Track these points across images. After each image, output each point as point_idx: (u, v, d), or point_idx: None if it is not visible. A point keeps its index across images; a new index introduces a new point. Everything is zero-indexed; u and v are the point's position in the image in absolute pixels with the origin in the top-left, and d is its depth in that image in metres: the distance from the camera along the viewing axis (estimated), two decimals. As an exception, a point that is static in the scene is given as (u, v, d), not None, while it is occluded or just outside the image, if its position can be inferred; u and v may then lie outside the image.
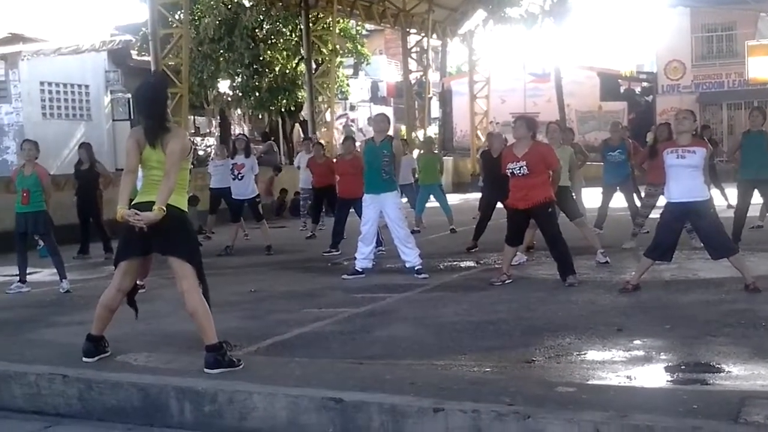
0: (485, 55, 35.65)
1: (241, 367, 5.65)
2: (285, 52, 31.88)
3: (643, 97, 40.15)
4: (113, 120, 26.09)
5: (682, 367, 5.96)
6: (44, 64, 24.15)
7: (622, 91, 40.39)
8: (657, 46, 38.51)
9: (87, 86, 25.92)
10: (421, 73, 35.19)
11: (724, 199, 16.18)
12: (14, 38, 26.28)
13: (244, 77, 31.18)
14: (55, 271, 10.78)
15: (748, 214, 11.78)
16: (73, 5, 67.76)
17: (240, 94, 32.04)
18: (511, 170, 9.59)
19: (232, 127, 35.99)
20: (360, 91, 43.43)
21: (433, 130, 39.04)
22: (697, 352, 6.32)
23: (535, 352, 6.49)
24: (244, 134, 19.58)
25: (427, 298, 9.27)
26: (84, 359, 5.98)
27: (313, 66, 29.09)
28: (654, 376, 5.79)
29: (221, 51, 30.47)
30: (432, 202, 16.68)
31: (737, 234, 11.26)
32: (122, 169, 6.53)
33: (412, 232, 12.27)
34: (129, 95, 24.50)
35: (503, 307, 8.38)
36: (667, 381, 5.72)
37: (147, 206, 5.65)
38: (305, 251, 14.44)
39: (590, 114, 38.58)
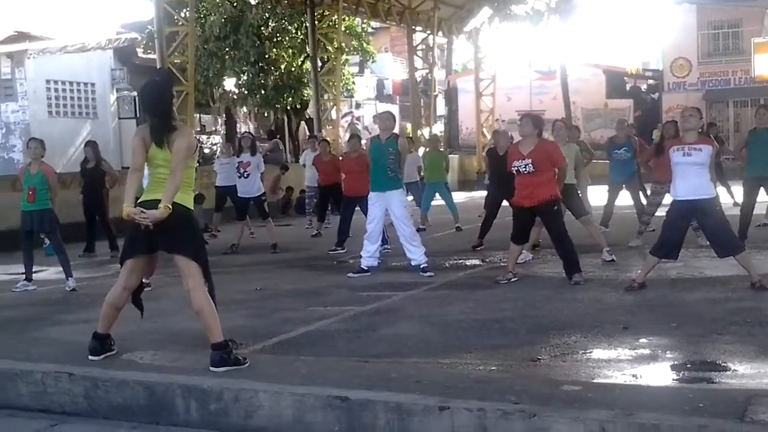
0: (491, 52, 35.62)
1: (246, 365, 5.65)
2: (290, 50, 31.86)
3: (649, 94, 40.06)
4: (119, 118, 26.09)
5: (688, 365, 5.95)
6: (50, 62, 24.17)
7: (628, 88, 40.30)
8: (663, 44, 38.44)
9: (93, 84, 25.93)
10: (427, 71, 35.13)
11: (731, 196, 16.15)
12: (20, 36, 26.35)
13: (250, 75, 31.15)
14: (61, 269, 10.80)
15: (754, 212, 11.77)
16: (79, 3, 67.91)
17: (246, 92, 32.02)
18: (516, 168, 9.58)
19: (237, 125, 35.99)
20: (365, 89, 43.38)
21: (438, 128, 39.03)
22: (703, 350, 6.31)
23: (540, 351, 6.49)
24: (249, 132, 19.64)
25: (432, 296, 9.27)
26: (90, 357, 5.99)
27: (319, 64, 29.10)
28: (660, 374, 5.79)
29: (227, 49, 30.45)
30: (437, 200, 16.67)
31: (743, 232, 11.25)
32: (128, 168, 6.53)
33: (418, 230, 12.28)
34: (135, 93, 24.49)
35: (509, 305, 8.38)
36: (673, 379, 5.71)
37: (153, 204, 5.66)
38: (311, 249, 14.45)
39: (596, 111, 38.55)
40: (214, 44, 30.23)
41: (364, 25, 36.28)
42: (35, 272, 11.04)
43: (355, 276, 10.75)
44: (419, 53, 34.74)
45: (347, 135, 26.11)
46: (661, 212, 10.49)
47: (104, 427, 5.41)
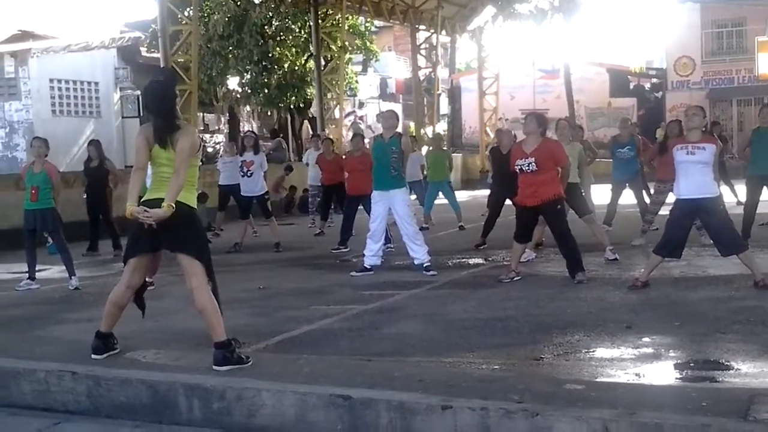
0: (494, 51, 35.60)
1: (249, 364, 5.66)
2: (294, 49, 31.85)
3: (653, 93, 40.00)
4: (122, 117, 26.11)
5: (691, 364, 5.95)
6: (54, 61, 24.20)
7: (631, 87, 40.23)
8: (666, 42, 38.38)
9: (96, 83, 25.95)
10: (430, 70, 35.13)
11: (734, 195, 16.13)
12: (24, 35, 26.39)
13: (253, 74, 31.15)
14: (64, 268, 10.81)
15: (757, 211, 11.76)
16: (82, 2, 68.02)
17: (249, 91, 32.01)
18: (519, 167, 9.58)
19: (241, 124, 36.02)
20: (369, 88, 43.37)
21: (442, 127, 38.99)
22: (706, 349, 6.31)
23: (543, 350, 6.48)
24: (253, 131, 19.63)
25: (435, 295, 9.27)
26: (93, 356, 6.00)
27: (322, 63, 29.08)
28: (663, 373, 5.78)
29: (230, 48, 30.45)
30: (441, 199, 16.66)
31: (746, 231, 11.25)
32: (131, 167, 6.54)
33: (421, 229, 12.27)
34: (138, 92, 24.52)
35: (512, 304, 8.38)
36: (676, 378, 5.71)
37: (156, 203, 5.66)
38: (314, 248, 14.45)
39: (599, 110, 38.51)
40: (217, 43, 30.24)
41: (367, 24, 36.24)
42: (38, 271, 11.05)
43: (358, 275, 10.75)
44: (422, 52, 34.75)
45: (350, 134, 26.13)
46: (664, 211, 10.48)
47: (107, 426, 5.42)
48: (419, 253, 10.71)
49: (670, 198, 9.78)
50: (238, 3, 30.57)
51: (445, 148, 18.79)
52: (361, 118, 42.84)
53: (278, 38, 31.44)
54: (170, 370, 5.68)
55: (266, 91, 31.40)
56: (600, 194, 14.10)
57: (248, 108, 36.14)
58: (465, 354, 6.43)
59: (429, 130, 31.98)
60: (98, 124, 25.65)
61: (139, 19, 35.68)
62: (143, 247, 5.92)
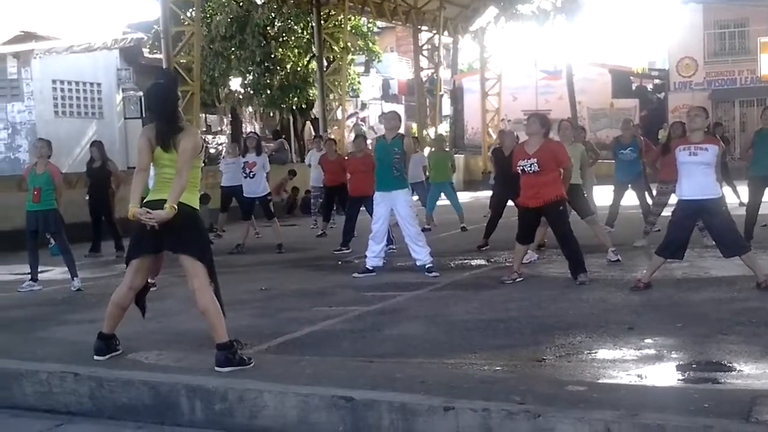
0: (497, 52, 35.65)
1: (251, 365, 5.65)
2: (296, 50, 31.89)
3: (655, 94, 40.01)
4: (125, 118, 26.14)
5: (694, 365, 5.95)
6: (56, 62, 24.22)
7: (633, 88, 40.24)
8: (669, 43, 38.34)
9: (99, 84, 25.98)
10: (433, 71, 35.16)
11: (736, 196, 16.13)
12: (27, 36, 26.41)
13: (256, 75, 31.19)
14: (66, 269, 10.82)
15: (759, 212, 11.75)
16: (85, 3, 68.10)
17: (251, 91, 32.06)
18: (522, 167, 9.57)
19: (243, 125, 36.04)
20: (371, 89, 43.42)
21: (444, 128, 39.02)
22: (709, 350, 6.31)
23: (545, 351, 6.48)
24: (255, 132, 19.65)
25: (437, 296, 9.27)
26: (95, 357, 5.99)
27: (325, 63, 29.12)
28: (665, 374, 5.78)
29: (233, 49, 30.49)
30: (443, 200, 16.66)
31: (749, 232, 11.24)
32: (134, 168, 6.54)
33: (423, 230, 12.27)
34: (141, 93, 24.53)
35: (514, 305, 8.38)
36: (678, 380, 5.71)
37: (159, 204, 5.66)
38: (316, 249, 14.45)
39: (602, 111, 38.49)
40: (220, 44, 30.27)
41: (369, 25, 36.30)
42: (41, 272, 11.06)
43: (360, 276, 10.76)
44: (425, 53, 34.76)
45: (352, 135, 26.13)
46: (666, 212, 10.47)
47: (109, 427, 5.42)
48: (421, 254, 10.71)
49: (673, 199, 9.76)
50: (241, 4, 30.61)
51: (447, 149, 18.80)
52: (362, 120, 42.89)
53: (281, 39, 31.48)
54: (172, 371, 5.67)
55: (268, 92, 31.44)
56: (602, 195, 14.09)
57: (250, 109, 36.18)
58: (467, 355, 6.43)
59: (431, 131, 32.00)
60: (101, 125, 25.67)
61: (142, 20, 35.73)
62: (145, 248, 5.92)
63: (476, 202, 22.24)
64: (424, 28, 33.38)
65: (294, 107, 32.89)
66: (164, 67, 18.28)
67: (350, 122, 38.25)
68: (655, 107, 38.10)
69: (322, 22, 28.44)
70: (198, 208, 5.91)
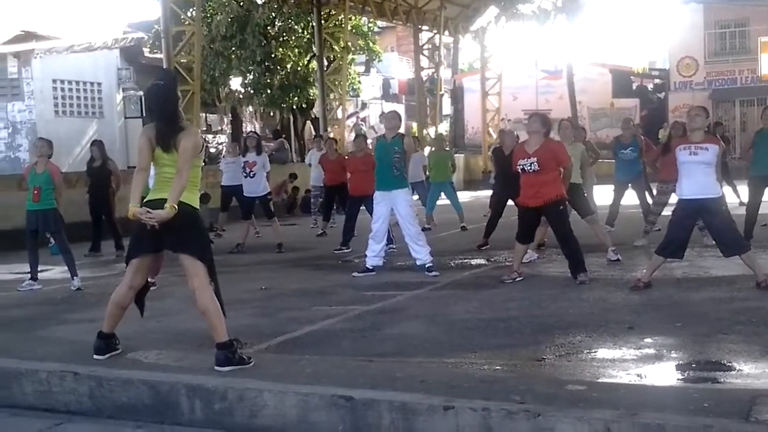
0: (497, 51, 35.67)
1: (251, 364, 5.66)
2: (297, 50, 31.87)
3: (656, 93, 40.01)
4: (125, 117, 26.11)
5: (693, 365, 5.95)
6: (57, 61, 24.22)
7: (634, 88, 40.25)
8: (669, 43, 38.34)
9: (99, 84, 25.97)
10: (433, 70, 35.15)
11: (736, 196, 16.13)
12: (27, 36, 26.42)
13: (256, 74, 31.17)
14: (66, 268, 10.82)
15: (759, 212, 11.75)
16: (85, 3, 68.11)
17: (252, 91, 32.03)
18: (521, 166, 9.57)
19: (243, 124, 36.02)
20: (371, 89, 43.43)
21: (444, 127, 39.01)
22: (708, 350, 6.30)
23: (545, 350, 6.48)
24: (255, 132, 19.64)
25: (437, 295, 9.27)
26: (95, 356, 5.99)
27: (325, 63, 29.12)
28: (665, 374, 5.78)
29: (233, 48, 30.47)
30: (443, 200, 16.66)
31: (749, 231, 11.25)
32: (134, 167, 6.54)
33: (423, 229, 12.27)
34: (141, 92, 24.53)
35: (514, 304, 8.38)
36: (678, 379, 5.71)
37: (159, 204, 5.66)
38: (316, 249, 14.45)
39: (602, 111, 38.50)
40: (220, 43, 30.24)
41: (370, 25, 36.29)
42: (41, 271, 11.05)
43: (360, 275, 10.75)
44: (425, 52, 34.75)
45: (352, 135, 26.12)
46: (667, 212, 10.47)
47: (109, 427, 5.42)
48: (421, 253, 10.71)
49: (673, 199, 9.76)
50: (241, 3, 30.60)
51: (447, 149, 18.80)
52: (362, 120, 42.89)
53: (281, 39, 31.46)
54: (172, 370, 5.67)
55: (269, 91, 31.42)
56: (602, 195, 14.09)
57: (251, 108, 36.17)
58: (467, 354, 6.43)
59: (431, 131, 32.00)
60: (101, 124, 25.67)
61: (142, 19, 35.73)
62: (145, 247, 5.91)
63: (476, 201, 22.24)
64: (425, 27, 33.37)
65: (294, 107, 32.88)
66: (164, 67, 18.24)
67: (350, 122, 38.24)
68: (655, 107, 38.10)
69: (323, 21, 28.45)
70: (198, 207, 5.91)
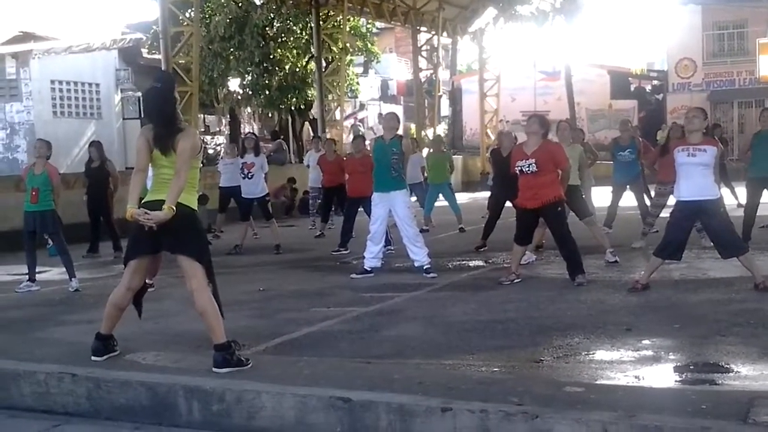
0: (495, 53, 35.61)
1: (249, 366, 5.65)
2: (295, 51, 31.89)
3: (654, 95, 40.06)
4: (123, 118, 26.09)
5: (691, 367, 5.95)
6: (55, 62, 24.20)
7: (632, 89, 40.30)
8: (668, 44, 38.39)
9: (97, 84, 25.95)
10: (431, 72, 35.16)
11: (734, 198, 16.14)
12: (25, 37, 26.36)
13: (254, 75, 31.20)
14: (64, 269, 10.80)
15: (757, 213, 11.76)
16: (84, 4, 68.06)
17: (250, 92, 32.06)
18: (520, 168, 9.57)
19: (241, 125, 36.05)
20: (370, 90, 43.43)
21: (442, 129, 39.02)
22: (706, 351, 6.30)
23: (543, 352, 6.48)
24: (253, 133, 19.61)
25: (435, 297, 9.27)
26: (93, 358, 5.98)
27: (323, 64, 29.11)
28: (663, 376, 5.78)
29: (231, 49, 30.49)
30: (441, 201, 16.66)
31: (747, 233, 11.25)
32: (132, 168, 6.53)
33: (421, 231, 12.27)
34: (139, 93, 24.52)
35: (512, 306, 8.37)
36: (676, 381, 5.71)
37: (157, 205, 5.65)
38: (314, 250, 14.45)
39: (600, 112, 38.52)
40: (218, 45, 30.28)
41: (368, 26, 36.28)
42: (38, 273, 11.03)
43: (358, 277, 10.75)
44: (424, 54, 34.76)
45: (350, 136, 26.12)
46: (665, 213, 10.48)
47: (107, 428, 5.42)
48: (419, 255, 10.71)
49: (671, 200, 9.77)
50: (240, 4, 30.62)
51: (445, 150, 18.80)
52: (360, 121, 42.88)
53: (279, 40, 31.50)
54: (170, 372, 5.67)
55: (267, 92, 31.45)
56: (600, 196, 14.10)
57: (249, 110, 36.19)
58: (465, 356, 6.43)
59: (430, 132, 32.03)
60: (99, 125, 25.65)
61: (141, 20, 35.81)
62: (143, 248, 5.91)
63: (474, 202, 22.25)
64: (423, 28, 33.36)
65: (292, 108, 32.90)
66: (162, 68, 18.23)
67: (349, 123, 38.24)
68: (653, 108, 38.14)
69: (321, 22, 28.43)
70: (196, 208, 5.91)
